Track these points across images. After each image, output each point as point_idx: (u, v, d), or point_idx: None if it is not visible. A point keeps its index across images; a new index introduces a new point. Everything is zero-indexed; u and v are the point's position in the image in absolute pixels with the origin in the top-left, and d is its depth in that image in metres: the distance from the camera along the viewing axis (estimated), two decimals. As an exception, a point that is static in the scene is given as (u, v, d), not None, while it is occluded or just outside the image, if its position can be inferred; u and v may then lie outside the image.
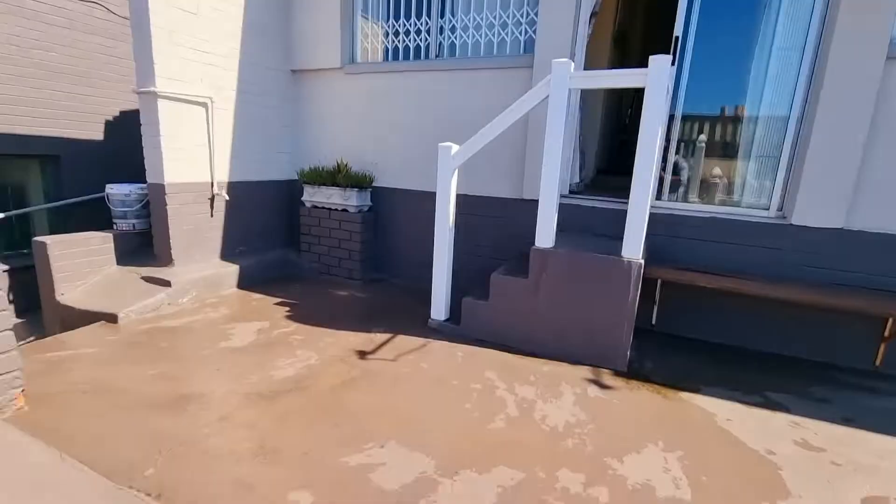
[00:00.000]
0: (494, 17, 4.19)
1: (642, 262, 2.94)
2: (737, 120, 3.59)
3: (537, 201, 4.06)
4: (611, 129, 6.97)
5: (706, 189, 3.77)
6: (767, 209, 3.53)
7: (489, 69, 4.18)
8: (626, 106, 7.46)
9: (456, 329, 3.57)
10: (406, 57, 4.63)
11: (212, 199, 4.42)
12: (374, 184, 4.83)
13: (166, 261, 4.14)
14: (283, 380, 2.77)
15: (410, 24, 4.55)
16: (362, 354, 3.14)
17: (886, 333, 3.20)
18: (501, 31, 4.18)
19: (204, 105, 4.23)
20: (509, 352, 3.30)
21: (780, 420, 2.58)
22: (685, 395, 2.82)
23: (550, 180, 3.09)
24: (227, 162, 4.53)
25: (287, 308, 3.97)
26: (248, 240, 4.85)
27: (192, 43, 4.05)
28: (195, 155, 4.22)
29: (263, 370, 2.88)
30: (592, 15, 3.86)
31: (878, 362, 3.27)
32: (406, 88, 4.58)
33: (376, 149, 4.83)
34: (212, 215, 4.45)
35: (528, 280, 3.27)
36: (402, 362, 3.05)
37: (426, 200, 4.58)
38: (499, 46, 4.22)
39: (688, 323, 3.72)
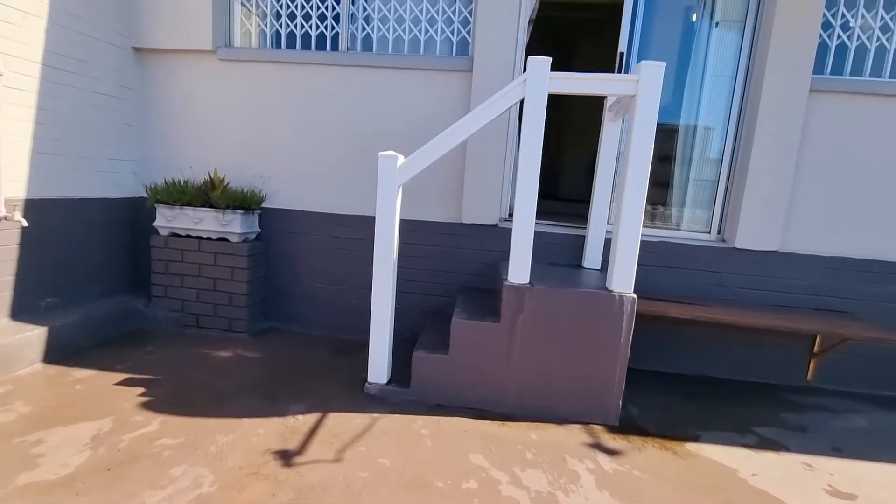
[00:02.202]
0: (421, 11, 3.56)
1: (635, 296, 2.54)
2: (682, 142, 3.54)
3: (479, 226, 3.55)
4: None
5: (651, 214, 3.64)
6: (709, 232, 3.52)
7: (418, 70, 3.51)
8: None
9: (405, 394, 2.73)
10: (307, 46, 3.69)
11: (-4, 227, 2.81)
12: (264, 204, 3.70)
13: None
14: (159, 536, 1.61)
15: (312, 8, 3.64)
16: (286, 458, 2.10)
17: (816, 350, 3.36)
18: (429, 28, 3.57)
19: (-19, 78, 2.68)
20: (481, 418, 2.59)
21: (792, 464, 2.36)
22: (691, 446, 2.46)
23: (527, 202, 2.53)
24: (26, 169, 2.97)
25: (140, 389, 2.63)
26: (63, 286, 3.25)
27: (-41, -22, 2.54)
28: (-38, 156, 2.63)
29: (115, 522, 1.66)
30: (530, 21, 3.50)
31: (809, 377, 3.42)
32: (309, 85, 3.63)
33: (267, 159, 3.73)
34: (-5, 251, 2.83)
35: (500, 324, 2.63)
36: (350, 461, 2.10)
37: (338, 225, 3.68)
38: (426, 45, 3.59)
39: (645, 355, 3.48)
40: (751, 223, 3.30)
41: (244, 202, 3.48)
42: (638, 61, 3.39)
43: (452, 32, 3.55)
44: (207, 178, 3.55)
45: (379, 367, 2.78)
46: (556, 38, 7.40)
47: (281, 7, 3.69)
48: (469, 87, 3.42)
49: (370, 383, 2.78)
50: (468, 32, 3.52)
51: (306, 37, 3.69)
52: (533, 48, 3.78)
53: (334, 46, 3.65)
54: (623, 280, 2.54)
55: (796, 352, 3.41)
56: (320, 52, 3.66)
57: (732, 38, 3.35)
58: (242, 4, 3.74)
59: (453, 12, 3.53)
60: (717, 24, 3.38)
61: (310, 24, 3.66)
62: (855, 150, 3.22)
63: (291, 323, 3.83)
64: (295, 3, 3.66)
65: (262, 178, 3.71)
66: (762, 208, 3.28)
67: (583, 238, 3.45)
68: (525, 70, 2.49)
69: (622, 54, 3.39)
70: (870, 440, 2.66)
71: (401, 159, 2.60)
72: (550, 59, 2.43)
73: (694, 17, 3.46)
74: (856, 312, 3.29)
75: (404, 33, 3.58)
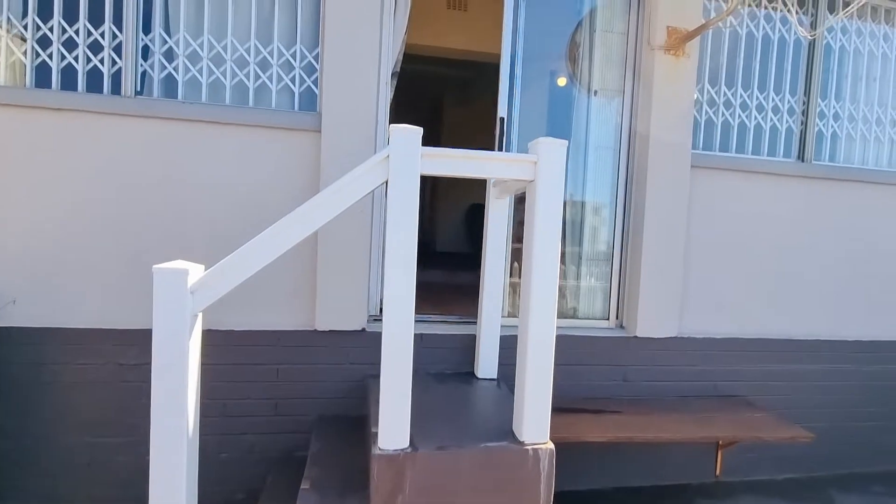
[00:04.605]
0: (248, 51, 2.67)
1: (552, 447, 1.88)
2: (570, 221, 3.13)
3: (340, 333, 2.65)
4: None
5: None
6: (608, 319, 3.12)
7: (247, 126, 2.57)
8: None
9: None
10: (71, 86, 2.51)
11: None
12: (-13, 324, 2.33)
13: None
14: None
15: (77, 33, 2.51)
16: None
17: (722, 442, 3.10)
18: (261, 73, 2.69)
19: None
20: None
21: None
22: None
23: (401, 320, 1.73)
24: None
25: None
26: None
27: None
28: None
29: None
30: (393, 74, 2.85)
31: (717, 472, 3.14)
32: (72, 142, 2.44)
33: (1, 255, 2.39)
34: None
35: (369, 514, 1.74)
36: None
37: (123, 345, 2.50)
38: (258, 94, 2.69)
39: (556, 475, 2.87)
40: (650, 308, 2.97)
41: (-65, 330, 2.09)
42: (518, 127, 2.97)
43: (293, 80, 2.71)
44: None
45: None
46: (422, 92, 7.06)
47: (25, 28, 2.49)
48: (318, 152, 2.59)
49: None
50: (314, 82, 2.72)
51: (69, 72, 2.51)
52: (399, 104, 3.14)
53: (115, 89, 2.54)
54: (536, 426, 1.87)
55: (702, 446, 3.12)
56: (93, 94, 2.52)
57: (612, 107, 3.10)
58: (-47, 15, 2.44)
59: (293, 55, 2.70)
60: (595, 92, 3.11)
61: (74, 54, 2.51)
62: (731, 227, 3.13)
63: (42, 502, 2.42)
64: (49, 25, 2.49)
65: (-16, 282, 2.35)
66: (660, 292, 2.97)
67: (472, 334, 2.78)
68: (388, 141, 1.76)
69: (502, 119, 2.91)
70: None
71: (195, 273, 1.62)
72: (421, 129, 1.74)
73: (561, 82, 3.15)
74: (748, 394, 3.13)
75: (224, 77, 2.64)
